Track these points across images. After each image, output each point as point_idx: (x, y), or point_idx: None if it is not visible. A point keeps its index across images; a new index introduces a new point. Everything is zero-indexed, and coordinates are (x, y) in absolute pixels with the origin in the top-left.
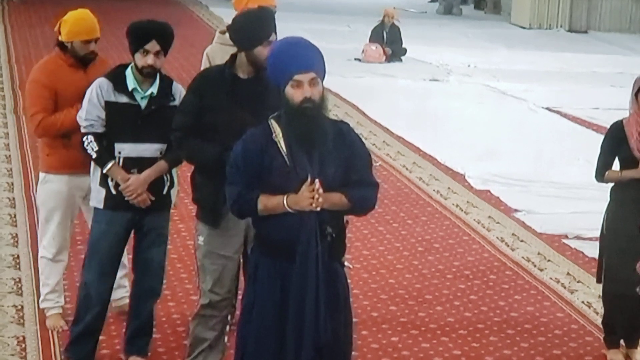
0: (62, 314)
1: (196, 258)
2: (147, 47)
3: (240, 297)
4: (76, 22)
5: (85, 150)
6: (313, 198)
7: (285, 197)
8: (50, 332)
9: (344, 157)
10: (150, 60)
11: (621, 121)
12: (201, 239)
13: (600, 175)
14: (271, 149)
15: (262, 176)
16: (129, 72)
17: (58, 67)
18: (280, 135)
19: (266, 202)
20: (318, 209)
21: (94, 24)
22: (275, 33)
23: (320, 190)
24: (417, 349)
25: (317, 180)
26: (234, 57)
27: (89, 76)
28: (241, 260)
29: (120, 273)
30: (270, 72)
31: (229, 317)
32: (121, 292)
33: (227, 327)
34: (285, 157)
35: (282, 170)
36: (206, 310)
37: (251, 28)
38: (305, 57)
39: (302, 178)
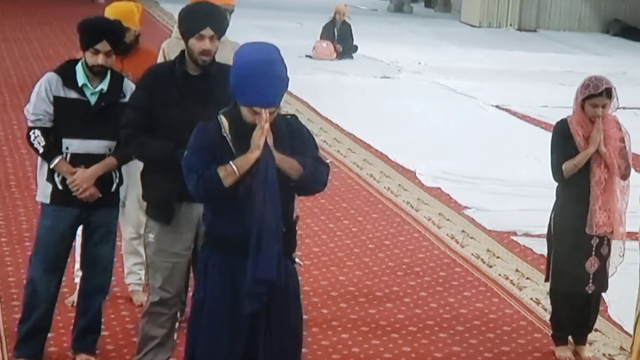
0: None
1: (146, 255)
2: (98, 47)
3: (190, 294)
4: (110, 10)
5: (32, 144)
6: (262, 130)
7: (232, 161)
8: None
9: (294, 150)
10: (100, 60)
11: (565, 119)
12: (151, 236)
13: (558, 173)
14: (221, 143)
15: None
16: (79, 68)
17: None
18: (228, 130)
19: (224, 170)
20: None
21: (129, 14)
22: (216, 28)
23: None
24: (367, 346)
25: (264, 110)
26: (183, 52)
27: (125, 65)
28: (191, 258)
29: (135, 260)
30: (231, 85)
31: (179, 315)
32: (132, 277)
33: (177, 325)
34: (234, 152)
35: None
36: (156, 307)
37: (185, 20)
38: (270, 95)
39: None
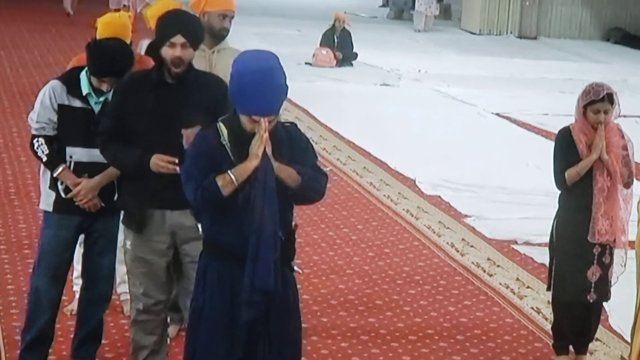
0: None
1: (125, 263)
2: (104, 79)
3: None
4: (105, 28)
5: (36, 152)
6: (262, 139)
7: (230, 171)
8: None
9: (293, 158)
10: (104, 88)
11: (568, 127)
12: (128, 243)
13: (561, 181)
14: (220, 151)
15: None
16: (83, 76)
17: None
18: (227, 138)
19: (222, 179)
20: (263, 150)
21: (124, 30)
22: (188, 35)
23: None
24: (367, 355)
25: (263, 119)
26: (161, 60)
27: None
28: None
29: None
30: (230, 92)
31: (182, 322)
32: (125, 287)
33: (176, 331)
34: (233, 160)
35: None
36: (141, 315)
37: (158, 28)
38: (269, 104)
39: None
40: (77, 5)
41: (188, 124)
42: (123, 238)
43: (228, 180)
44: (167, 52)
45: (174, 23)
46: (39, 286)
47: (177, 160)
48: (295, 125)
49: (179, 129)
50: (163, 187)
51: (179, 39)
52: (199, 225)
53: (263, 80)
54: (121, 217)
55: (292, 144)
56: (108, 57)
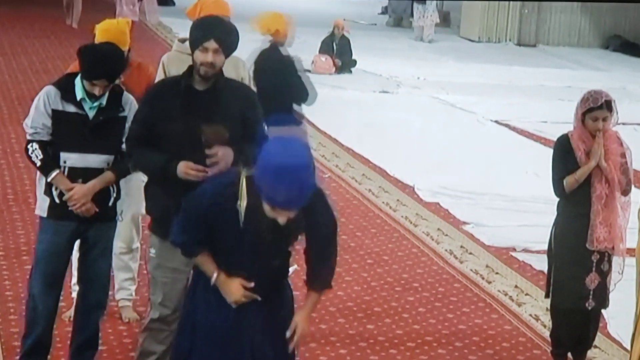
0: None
1: (147, 270)
2: (96, 82)
3: None
4: (102, 34)
5: (30, 157)
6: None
7: (216, 274)
8: None
9: (308, 223)
10: (97, 91)
11: (567, 134)
12: (153, 251)
13: (559, 188)
14: (231, 213)
15: (213, 233)
16: (78, 82)
17: None
18: (243, 205)
19: (203, 263)
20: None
21: (122, 36)
22: (220, 41)
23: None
24: None
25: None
26: (190, 67)
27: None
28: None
29: (125, 275)
30: (255, 178)
31: None
32: (123, 293)
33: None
34: (242, 227)
35: (235, 234)
36: (155, 324)
37: (192, 32)
38: (295, 201)
39: (255, 246)
40: (81, 16)
41: (217, 131)
42: (148, 246)
43: (210, 274)
44: (198, 56)
45: (208, 28)
46: (35, 293)
47: (206, 169)
48: (320, 190)
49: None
50: (188, 192)
51: (211, 44)
52: None
53: (293, 179)
54: (148, 223)
55: (311, 211)
56: (98, 59)
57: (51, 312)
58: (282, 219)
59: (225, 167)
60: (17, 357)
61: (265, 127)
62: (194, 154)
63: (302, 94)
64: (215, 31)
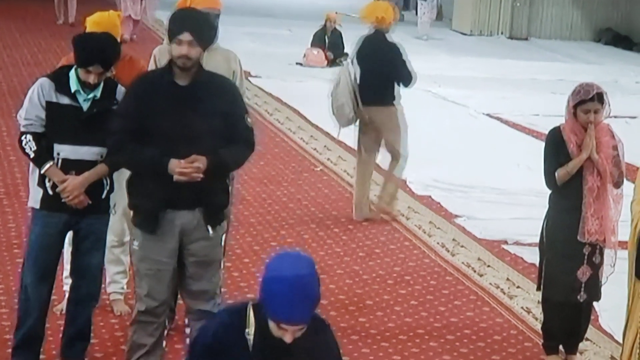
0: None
1: (132, 263)
2: (90, 68)
3: (180, 302)
4: (94, 26)
5: (24, 149)
6: None
7: None
8: None
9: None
10: (91, 80)
11: (558, 127)
12: (136, 243)
13: (551, 181)
14: (240, 343)
15: None
16: (72, 74)
17: None
18: (253, 332)
19: None
20: None
21: (113, 28)
22: (195, 33)
23: None
24: (357, 355)
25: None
26: (170, 60)
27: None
28: (176, 267)
29: (117, 268)
30: (260, 295)
31: (167, 323)
32: (114, 286)
33: (165, 332)
34: (251, 357)
35: None
36: (143, 316)
37: (168, 26)
38: (302, 314)
39: None
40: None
41: (205, 126)
42: (131, 239)
43: None
44: (174, 49)
45: (182, 20)
46: (28, 284)
47: (200, 166)
48: (327, 326)
49: (195, 130)
50: (175, 186)
51: (186, 36)
52: (209, 228)
53: (298, 290)
54: (131, 217)
55: (313, 338)
56: (93, 45)
57: (43, 303)
58: (288, 337)
59: (197, 173)
60: (9, 350)
61: (248, 120)
62: (178, 150)
63: (406, 76)
64: (189, 24)
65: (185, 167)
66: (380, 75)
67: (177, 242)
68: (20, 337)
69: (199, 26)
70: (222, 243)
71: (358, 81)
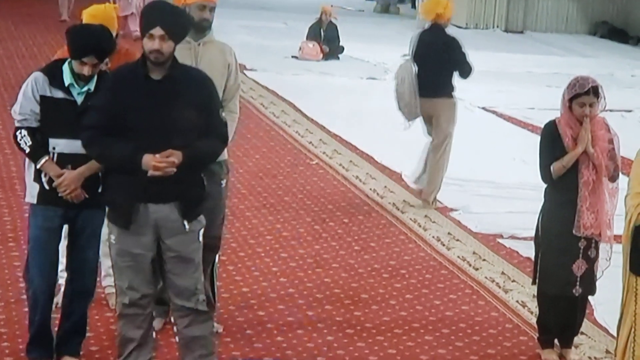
0: None
1: (110, 257)
2: (85, 59)
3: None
4: (90, 19)
5: (19, 144)
6: None
7: None
8: None
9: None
10: (86, 71)
11: (554, 121)
12: (113, 237)
13: (547, 174)
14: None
15: None
16: (65, 68)
17: None
18: None
19: None
20: None
21: (110, 20)
22: (167, 27)
23: None
24: (353, 348)
25: None
26: (143, 55)
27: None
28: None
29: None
30: None
31: (163, 316)
32: (110, 280)
33: (161, 324)
34: None
35: None
36: (128, 309)
37: (140, 20)
38: None
39: None
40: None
41: (180, 120)
42: (107, 232)
43: None
44: (146, 43)
45: (153, 15)
46: (32, 278)
47: (175, 160)
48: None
49: (170, 125)
50: (149, 180)
51: (157, 31)
52: (185, 222)
53: None
54: (106, 212)
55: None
56: (87, 37)
57: (48, 297)
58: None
59: (171, 168)
60: (5, 344)
61: (222, 114)
62: (152, 144)
63: (465, 68)
64: (160, 18)
65: (160, 162)
66: (442, 67)
67: (153, 235)
68: (33, 332)
69: (171, 20)
70: (200, 239)
71: (417, 75)
